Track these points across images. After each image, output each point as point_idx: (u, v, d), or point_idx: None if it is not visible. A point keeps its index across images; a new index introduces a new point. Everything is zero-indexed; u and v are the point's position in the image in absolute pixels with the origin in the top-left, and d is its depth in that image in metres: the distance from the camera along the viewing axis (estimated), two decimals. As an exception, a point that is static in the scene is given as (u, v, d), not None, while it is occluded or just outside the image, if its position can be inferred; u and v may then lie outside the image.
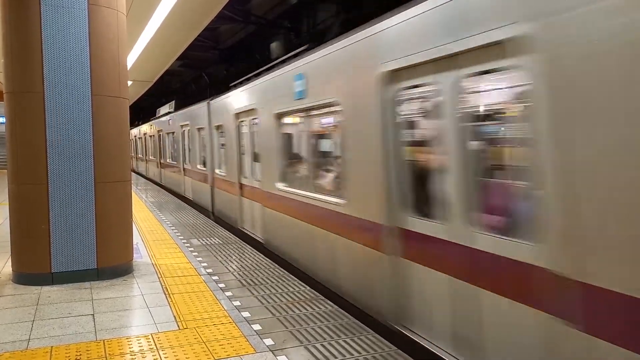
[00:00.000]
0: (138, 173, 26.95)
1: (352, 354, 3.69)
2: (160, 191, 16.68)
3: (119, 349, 3.75)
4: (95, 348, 3.76)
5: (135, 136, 27.94)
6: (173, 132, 15.93)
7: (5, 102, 5.47)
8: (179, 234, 8.44)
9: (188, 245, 7.51)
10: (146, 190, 16.72)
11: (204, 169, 11.85)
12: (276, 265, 6.33)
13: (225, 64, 19.21)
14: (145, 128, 24.05)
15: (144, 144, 24.63)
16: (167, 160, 17.54)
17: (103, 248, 5.60)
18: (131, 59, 13.89)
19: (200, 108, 12.03)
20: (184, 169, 14.53)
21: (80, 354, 3.65)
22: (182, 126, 14.29)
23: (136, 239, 7.65)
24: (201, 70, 21.64)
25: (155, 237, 8.14)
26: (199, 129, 12.13)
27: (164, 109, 19.26)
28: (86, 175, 5.52)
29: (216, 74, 21.10)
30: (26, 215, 5.45)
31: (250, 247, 7.40)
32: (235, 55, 17.91)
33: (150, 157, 22.42)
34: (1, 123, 17.62)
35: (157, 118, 20.64)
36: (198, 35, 11.92)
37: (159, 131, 19.18)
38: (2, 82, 9.90)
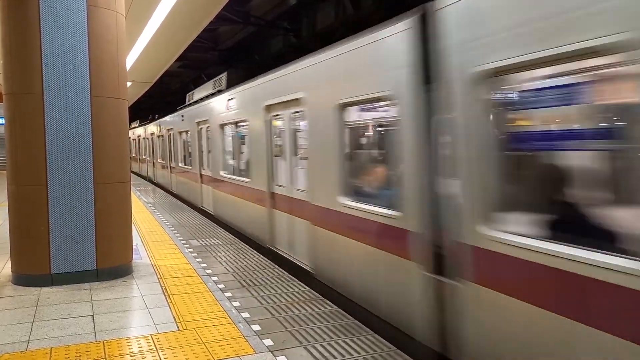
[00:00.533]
0: (158, 185, 18.99)
1: (352, 355, 3.69)
2: (161, 192, 16.32)
3: (119, 350, 3.75)
4: (94, 349, 3.76)
5: (152, 134, 20.50)
6: (239, 122, 8.91)
7: (5, 103, 5.48)
8: (178, 234, 8.44)
9: (187, 246, 7.51)
10: (145, 192, 16.67)
11: (390, 214, 4.35)
12: (275, 265, 6.32)
13: (224, 65, 19.23)
14: (168, 123, 16.58)
15: (168, 145, 16.72)
16: (222, 174, 9.84)
17: (102, 249, 5.60)
18: (130, 60, 13.91)
19: (356, 51, 4.88)
20: (280, 199, 7.02)
21: (80, 355, 3.65)
22: (268, 109, 7.16)
23: (136, 240, 7.64)
24: (201, 71, 21.65)
25: (155, 238, 8.14)
26: (344, 106, 5.10)
27: (200, 92, 12.61)
28: (85, 176, 5.51)
29: (216, 75, 21.11)
30: (26, 217, 5.45)
31: (249, 248, 7.40)
32: (234, 56, 17.92)
33: (180, 165, 14.66)
34: (0, 124, 17.58)
35: (190, 105, 13.45)
36: (197, 36, 11.94)
37: (199, 124, 11.79)
38: (1, 84, 9.90)
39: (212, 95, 10.95)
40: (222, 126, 9.93)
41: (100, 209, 5.59)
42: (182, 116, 13.92)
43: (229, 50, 17.75)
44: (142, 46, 12.37)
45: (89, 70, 5.49)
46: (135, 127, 26.93)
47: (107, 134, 5.64)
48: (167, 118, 17.02)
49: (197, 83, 23.71)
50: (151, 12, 9.51)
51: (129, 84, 14.97)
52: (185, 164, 13.99)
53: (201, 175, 11.80)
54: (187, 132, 13.51)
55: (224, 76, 10.54)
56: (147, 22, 10.24)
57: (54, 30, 5.35)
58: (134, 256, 6.17)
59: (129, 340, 3.93)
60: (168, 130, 16.43)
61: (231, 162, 9.89)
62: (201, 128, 11.71)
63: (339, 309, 4.68)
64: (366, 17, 10.12)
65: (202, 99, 11.97)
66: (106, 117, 5.63)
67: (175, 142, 15.12)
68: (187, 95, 14.40)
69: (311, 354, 3.69)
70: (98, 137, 5.56)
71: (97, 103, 5.55)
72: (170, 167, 16.29)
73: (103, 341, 3.91)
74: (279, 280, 5.62)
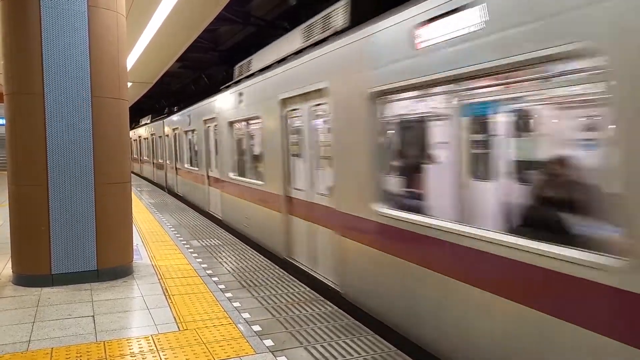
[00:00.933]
0: (182, 199, 14.23)
1: (352, 355, 3.69)
2: (159, 192, 16.32)
3: (119, 351, 3.75)
4: (95, 349, 3.77)
5: (175, 129, 15.09)
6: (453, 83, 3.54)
7: (5, 103, 5.48)
8: (179, 235, 8.44)
9: (188, 246, 7.51)
10: (145, 192, 16.67)
11: None
12: (276, 266, 6.33)
13: (224, 66, 19.22)
14: (205, 112, 11.18)
15: (205, 144, 11.47)
16: (381, 213, 4.29)
17: (103, 249, 5.60)
18: (131, 60, 13.91)
19: None
20: None
21: (81, 356, 3.65)
22: None
23: (136, 240, 7.64)
24: (201, 71, 21.65)
25: (156, 238, 8.14)
26: None
27: (270, 53, 7.83)
28: (86, 176, 5.52)
29: (216, 75, 21.12)
30: (26, 217, 5.45)
31: (250, 248, 7.40)
32: (234, 57, 17.91)
33: (231, 176, 9.27)
34: (1, 124, 17.43)
35: (249, 77, 8.32)
36: (197, 37, 11.93)
37: (287, 104, 6.45)
38: (2, 84, 9.90)
39: (302, 52, 6.19)
40: (379, 96, 4.33)
41: (100, 210, 5.59)
42: (241, 95, 8.45)
43: (229, 51, 17.76)
44: (143, 47, 12.38)
45: (90, 71, 5.50)
46: (147, 124, 23.04)
47: (107, 134, 5.64)
48: (203, 105, 11.53)
49: (197, 83, 23.69)
50: (152, 13, 9.51)
51: (129, 84, 14.98)
52: (244, 176, 8.77)
53: (291, 199, 6.61)
54: (248, 121, 8.53)
55: (340, 6, 5.33)
56: (147, 23, 10.24)
57: (55, 30, 5.35)
58: (134, 257, 6.18)
59: (129, 341, 3.94)
60: (205, 122, 11.18)
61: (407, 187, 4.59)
62: (290, 111, 6.44)
63: (340, 310, 4.68)
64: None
65: (281, 61, 6.95)
66: (106, 117, 5.63)
67: (221, 139, 9.81)
68: (236, 67, 9.40)
69: (311, 354, 3.70)
70: (98, 138, 5.56)
71: (98, 103, 5.55)
72: (209, 176, 11.20)
73: (104, 341, 3.91)
74: (279, 281, 5.62)
